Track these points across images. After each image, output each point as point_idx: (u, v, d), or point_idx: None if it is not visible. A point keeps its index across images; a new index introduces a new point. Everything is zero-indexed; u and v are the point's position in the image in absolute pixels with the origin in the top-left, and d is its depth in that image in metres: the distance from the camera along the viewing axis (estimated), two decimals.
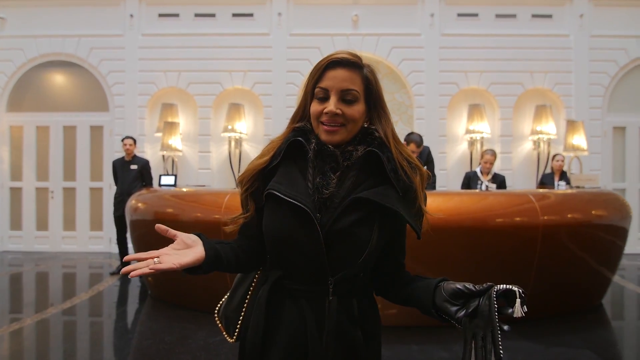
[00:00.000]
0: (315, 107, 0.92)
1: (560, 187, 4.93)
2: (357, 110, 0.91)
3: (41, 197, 6.62)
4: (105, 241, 6.55)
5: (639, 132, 6.45)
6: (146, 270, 0.76)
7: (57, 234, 6.58)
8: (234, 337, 1.02)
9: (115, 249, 6.24)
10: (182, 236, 0.86)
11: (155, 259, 0.79)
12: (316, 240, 0.87)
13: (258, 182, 0.96)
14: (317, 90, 0.92)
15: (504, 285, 0.80)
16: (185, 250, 0.84)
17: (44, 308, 3.71)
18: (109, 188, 6.50)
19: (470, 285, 0.84)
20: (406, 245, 1.01)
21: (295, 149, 0.94)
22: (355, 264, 0.89)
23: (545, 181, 5.21)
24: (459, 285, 0.85)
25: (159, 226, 0.84)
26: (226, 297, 1.07)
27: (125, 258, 0.79)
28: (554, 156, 5.32)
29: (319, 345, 0.88)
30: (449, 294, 0.85)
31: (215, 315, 1.08)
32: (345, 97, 0.90)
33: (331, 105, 0.89)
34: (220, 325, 1.06)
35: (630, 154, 6.45)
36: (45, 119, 6.58)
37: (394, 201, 0.88)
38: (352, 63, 0.91)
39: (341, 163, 0.92)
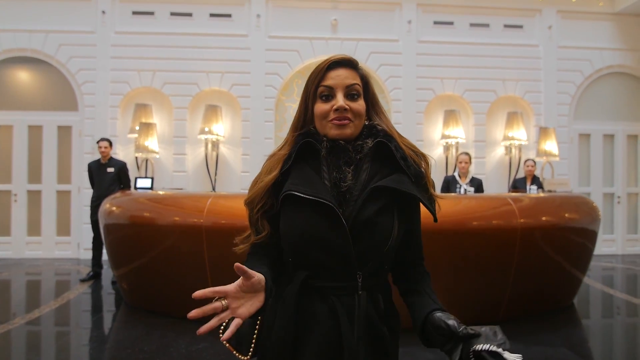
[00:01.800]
0: (321, 107, 0.95)
1: (532, 191, 5.12)
2: (361, 104, 0.96)
3: (3, 201, 6.24)
4: (73, 247, 6.25)
5: (603, 139, 6.81)
6: (215, 323, 0.77)
7: (21, 240, 6.22)
8: (249, 354, 0.97)
9: (84, 254, 5.98)
10: (255, 281, 0.81)
11: (224, 302, 0.78)
12: (342, 234, 0.87)
13: (271, 199, 0.95)
14: (320, 89, 0.95)
15: (486, 346, 0.79)
16: (252, 299, 0.82)
17: (7, 319, 3.47)
18: (78, 191, 6.22)
19: (453, 324, 0.85)
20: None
21: (305, 151, 0.95)
22: (380, 254, 0.90)
23: (518, 185, 5.39)
24: (443, 323, 0.86)
25: (238, 266, 0.77)
26: None
27: (195, 295, 0.74)
28: (525, 161, 5.52)
29: (352, 342, 0.87)
30: (434, 327, 0.88)
31: (221, 335, 1.02)
32: (350, 93, 0.94)
33: (340, 100, 0.93)
34: (228, 345, 0.99)
35: (595, 159, 6.79)
36: (8, 118, 6.23)
37: (410, 187, 0.91)
38: (351, 63, 0.97)
39: (353, 157, 0.94)
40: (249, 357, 0.97)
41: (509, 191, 5.75)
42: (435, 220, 0.96)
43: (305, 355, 0.88)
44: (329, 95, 0.94)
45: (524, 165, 5.51)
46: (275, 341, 0.90)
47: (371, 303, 0.91)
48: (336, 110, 0.93)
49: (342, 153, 0.94)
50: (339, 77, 0.94)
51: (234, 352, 0.98)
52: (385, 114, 1.02)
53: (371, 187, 0.90)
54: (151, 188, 4.49)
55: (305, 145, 0.95)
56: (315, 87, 0.95)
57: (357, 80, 0.96)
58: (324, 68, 0.96)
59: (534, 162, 5.46)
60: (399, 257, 0.99)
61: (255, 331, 0.97)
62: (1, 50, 6.12)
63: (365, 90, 0.98)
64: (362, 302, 0.90)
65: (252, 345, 0.97)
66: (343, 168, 0.93)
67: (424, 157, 0.99)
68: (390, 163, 0.94)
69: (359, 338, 0.88)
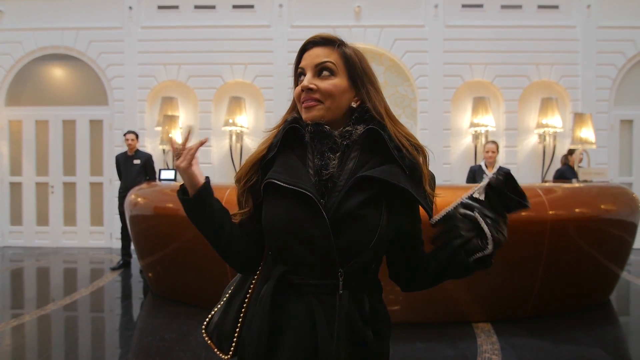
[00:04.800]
0: (296, 89, 0.91)
1: None
2: (332, 84, 0.88)
3: (41, 192, 6.57)
4: (105, 236, 6.51)
5: None
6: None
7: (58, 229, 6.54)
8: (230, 353, 0.95)
9: (115, 244, 6.20)
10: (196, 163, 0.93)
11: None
12: (322, 226, 0.81)
13: (256, 175, 0.91)
14: (298, 71, 0.91)
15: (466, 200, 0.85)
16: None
17: (45, 304, 3.68)
18: (109, 183, 6.45)
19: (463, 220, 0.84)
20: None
21: (291, 137, 0.90)
22: (365, 250, 0.83)
23: (567, 175, 5.11)
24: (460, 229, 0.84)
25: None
26: (216, 310, 1.00)
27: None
28: (575, 151, 5.33)
29: (329, 345, 0.80)
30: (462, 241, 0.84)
31: (203, 331, 1.00)
32: (320, 71, 0.88)
33: (305, 80, 0.88)
34: (210, 342, 0.98)
35: (638, 147, 6.35)
36: (45, 113, 6.51)
37: (401, 179, 0.83)
38: (327, 41, 0.90)
39: (340, 142, 0.87)
40: (229, 356, 0.95)
41: (553, 181, 5.45)
42: (431, 218, 0.88)
43: (281, 357, 0.83)
44: (302, 75, 0.90)
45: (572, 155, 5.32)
46: (251, 341, 0.86)
47: (354, 304, 0.84)
48: (302, 90, 0.88)
49: (327, 139, 0.87)
50: (310, 57, 0.89)
51: (216, 350, 0.96)
52: (380, 96, 0.93)
53: (357, 177, 0.82)
54: (175, 179, 4.58)
55: (292, 131, 0.90)
56: (295, 70, 0.93)
57: (331, 58, 0.88)
58: (300, 50, 0.92)
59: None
60: (396, 259, 0.93)
61: (237, 330, 0.94)
62: (36, 48, 6.39)
63: (348, 67, 0.90)
64: (343, 302, 0.83)
65: (234, 343, 0.94)
66: (327, 155, 0.87)
67: (421, 149, 0.90)
68: (383, 153, 0.86)
69: (339, 341, 0.81)
